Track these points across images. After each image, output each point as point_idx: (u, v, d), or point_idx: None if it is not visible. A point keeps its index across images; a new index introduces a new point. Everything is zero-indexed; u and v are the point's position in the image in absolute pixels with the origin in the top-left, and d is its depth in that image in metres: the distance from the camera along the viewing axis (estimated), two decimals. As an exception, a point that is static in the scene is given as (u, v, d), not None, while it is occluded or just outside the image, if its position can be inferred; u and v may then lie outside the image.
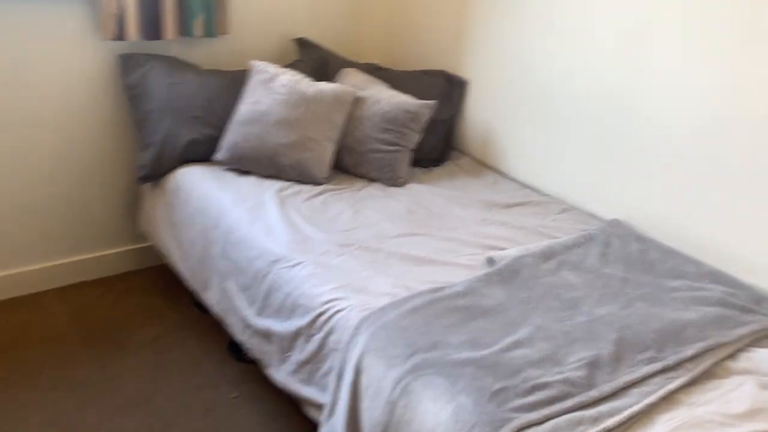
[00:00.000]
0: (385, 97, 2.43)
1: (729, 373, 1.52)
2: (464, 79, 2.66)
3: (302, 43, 2.74)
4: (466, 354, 1.46)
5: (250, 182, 2.24)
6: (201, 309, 2.44)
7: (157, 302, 2.54)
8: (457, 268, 1.84)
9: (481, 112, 2.64)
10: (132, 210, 2.62)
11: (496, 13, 2.50)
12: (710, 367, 1.52)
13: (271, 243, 1.90)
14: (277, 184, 2.23)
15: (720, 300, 1.74)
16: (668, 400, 1.41)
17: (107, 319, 2.41)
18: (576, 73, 2.28)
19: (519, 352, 1.49)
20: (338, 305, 1.66)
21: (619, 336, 1.57)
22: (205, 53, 2.58)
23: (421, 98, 2.49)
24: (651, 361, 1.51)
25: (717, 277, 1.86)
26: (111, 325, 2.39)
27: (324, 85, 2.37)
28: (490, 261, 1.87)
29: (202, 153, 2.35)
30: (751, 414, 1.37)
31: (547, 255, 1.89)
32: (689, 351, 1.54)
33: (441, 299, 1.64)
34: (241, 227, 1.99)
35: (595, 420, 1.32)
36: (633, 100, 2.13)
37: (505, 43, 2.49)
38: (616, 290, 1.77)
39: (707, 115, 1.95)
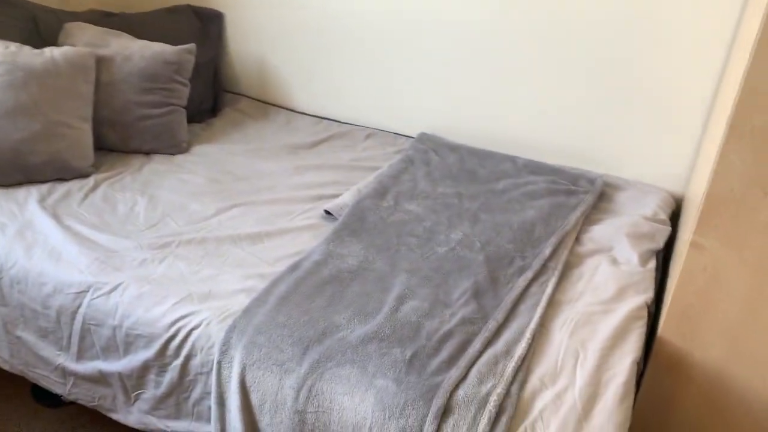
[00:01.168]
0: (134, 51, 2.01)
1: (582, 258, 1.62)
2: (218, 11, 2.31)
3: (-7, 0, 2.11)
4: (360, 329, 1.33)
5: (-4, 198, 1.73)
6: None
7: None
8: (299, 233, 1.66)
9: (247, 46, 2.34)
10: None
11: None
12: (567, 258, 1.60)
13: (66, 271, 1.50)
14: (34, 192, 1.76)
15: (547, 190, 1.83)
16: (551, 305, 1.46)
17: None
18: (343, -14, 2.11)
19: (408, 307, 1.40)
20: (189, 322, 1.38)
21: (484, 256, 1.57)
22: None
23: (174, 43, 2.11)
24: (521, 270, 1.54)
25: (533, 168, 1.94)
26: None
27: (52, 51, 1.87)
28: (328, 214, 1.72)
29: None
30: (620, 293, 1.48)
31: (380, 192, 1.79)
32: (547, 249, 1.60)
33: (305, 277, 1.46)
34: (15, 262, 1.54)
35: (507, 353, 1.30)
36: (402, 5, 2.04)
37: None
38: (458, 209, 1.76)
39: (479, 10, 1.95)
